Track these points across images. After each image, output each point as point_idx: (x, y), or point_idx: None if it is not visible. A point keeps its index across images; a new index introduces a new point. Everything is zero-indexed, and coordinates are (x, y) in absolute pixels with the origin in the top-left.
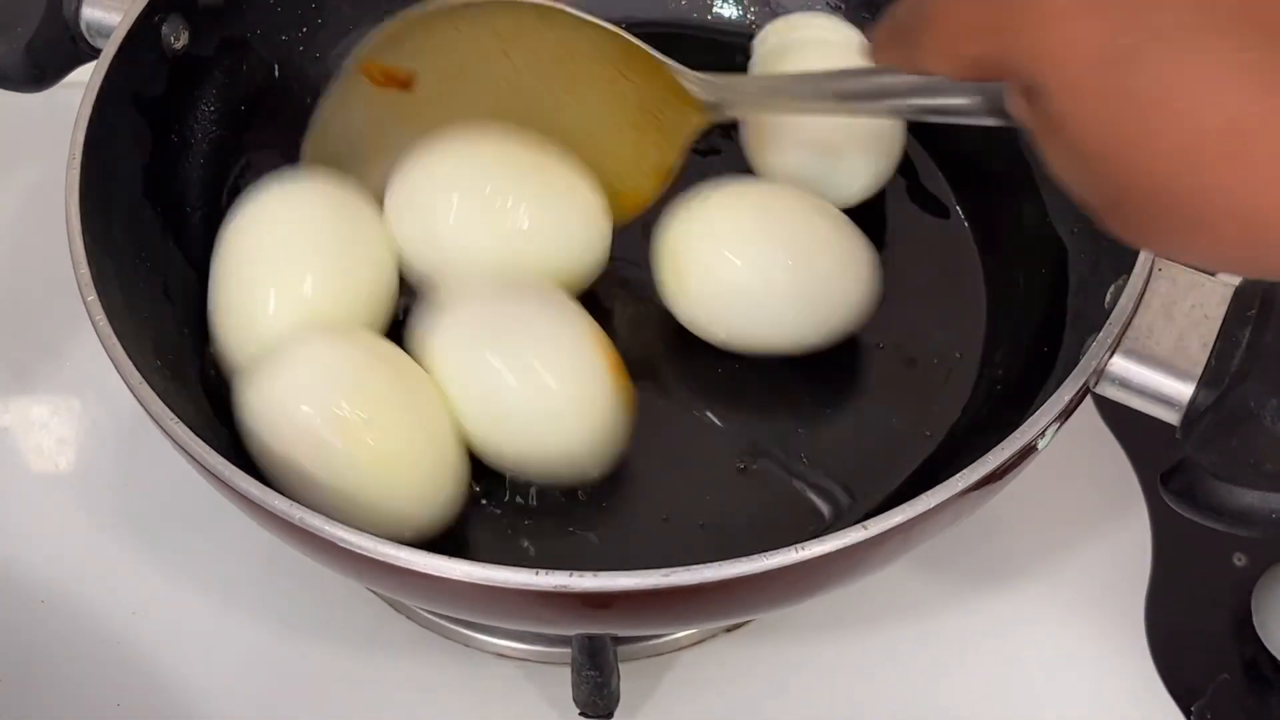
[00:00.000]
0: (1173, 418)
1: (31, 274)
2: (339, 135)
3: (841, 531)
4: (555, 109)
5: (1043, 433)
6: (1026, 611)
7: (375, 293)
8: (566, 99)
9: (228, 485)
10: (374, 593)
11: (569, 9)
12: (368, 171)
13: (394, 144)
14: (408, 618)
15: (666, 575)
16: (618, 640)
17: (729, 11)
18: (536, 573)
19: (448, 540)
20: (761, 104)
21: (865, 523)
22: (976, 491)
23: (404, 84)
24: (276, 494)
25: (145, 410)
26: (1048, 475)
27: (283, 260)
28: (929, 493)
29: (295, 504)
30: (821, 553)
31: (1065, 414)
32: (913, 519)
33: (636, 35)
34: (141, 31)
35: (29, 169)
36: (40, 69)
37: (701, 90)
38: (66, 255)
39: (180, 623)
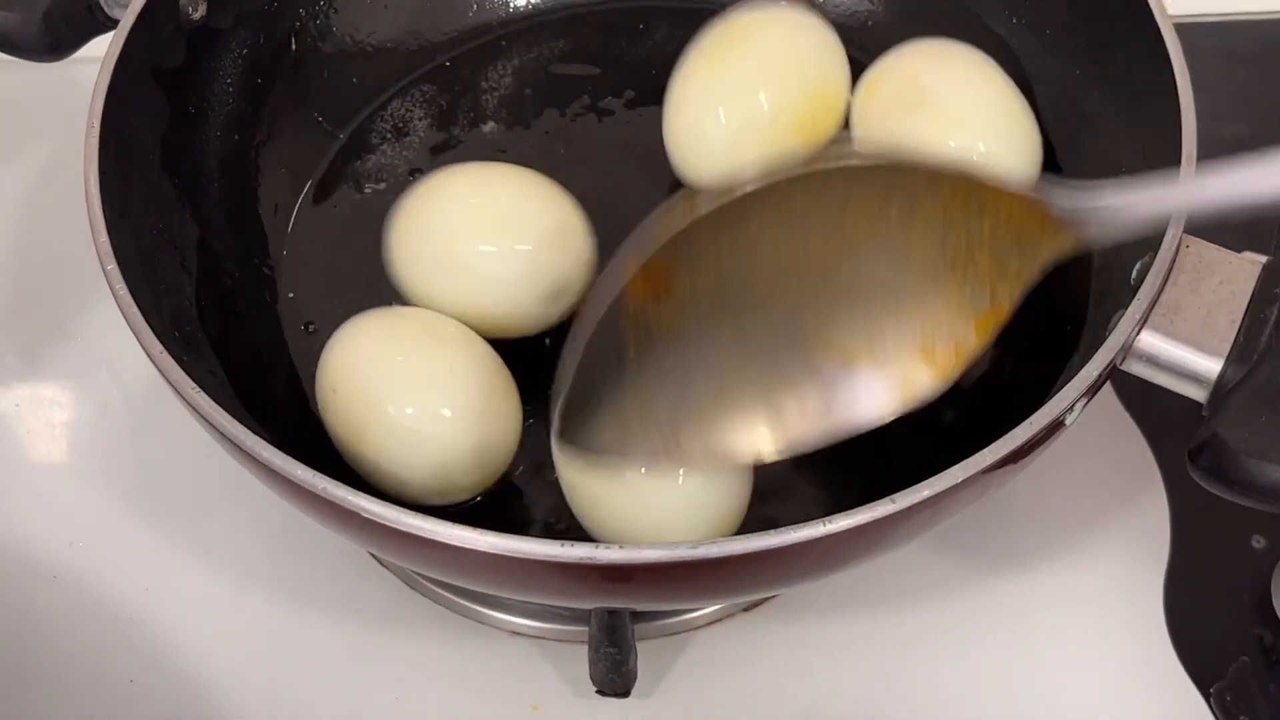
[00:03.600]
0: (1200, 395)
1: (44, 252)
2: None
3: (869, 505)
4: (844, 274)
5: (1070, 408)
6: (1045, 594)
7: None
8: (857, 260)
9: (250, 455)
10: (389, 570)
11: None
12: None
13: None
14: (423, 595)
15: (693, 549)
16: (636, 617)
17: None
18: (562, 544)
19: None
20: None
21: (893, 496)
22: (1003, 468)
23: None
24: (299, 464)
25: (166, 380)
26: (1067, 458)
27: None
28: (957, 466)
29: (318, 474)
30: (848, 526)
31: (1093, 390)
32: (940, 493)
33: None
34: (159, 2)
35: (40, 149)
36: (57, 38)
37: (1074, 202)
38: (79, 233)
39: (192, 600)
